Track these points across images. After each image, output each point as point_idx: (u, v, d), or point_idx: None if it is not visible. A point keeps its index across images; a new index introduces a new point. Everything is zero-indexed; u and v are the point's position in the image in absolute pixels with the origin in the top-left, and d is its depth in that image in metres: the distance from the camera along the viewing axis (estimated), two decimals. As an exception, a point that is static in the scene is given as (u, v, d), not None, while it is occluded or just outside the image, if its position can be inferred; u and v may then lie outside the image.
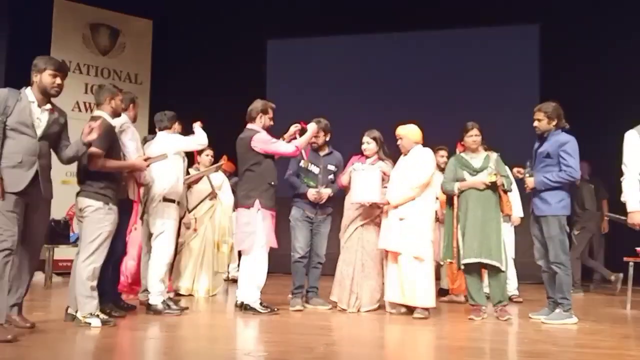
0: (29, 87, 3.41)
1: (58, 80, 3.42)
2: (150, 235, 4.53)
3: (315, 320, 4.21)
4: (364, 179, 4.55)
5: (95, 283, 3.66)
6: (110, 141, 3.73)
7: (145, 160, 4.07)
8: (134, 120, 4.31)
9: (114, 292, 4.15)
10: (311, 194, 4.68)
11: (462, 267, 4.33)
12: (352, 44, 8.69)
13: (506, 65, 8.09)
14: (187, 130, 4.81)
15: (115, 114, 3.92)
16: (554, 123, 4.27)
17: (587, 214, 7.15)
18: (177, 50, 8.73)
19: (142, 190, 4.47)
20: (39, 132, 3.35)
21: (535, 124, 4.32)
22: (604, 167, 7.26)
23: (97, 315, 3.61)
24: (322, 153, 4.87)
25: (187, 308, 4.42)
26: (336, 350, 3.27)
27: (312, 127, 4.59)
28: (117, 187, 3.84)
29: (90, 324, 3.52)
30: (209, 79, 8.72)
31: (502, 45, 8.22)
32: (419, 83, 8.32)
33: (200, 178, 5.41)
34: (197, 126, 4.68)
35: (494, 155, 4.46)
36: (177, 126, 4.65)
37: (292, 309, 4.54)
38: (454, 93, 8.06)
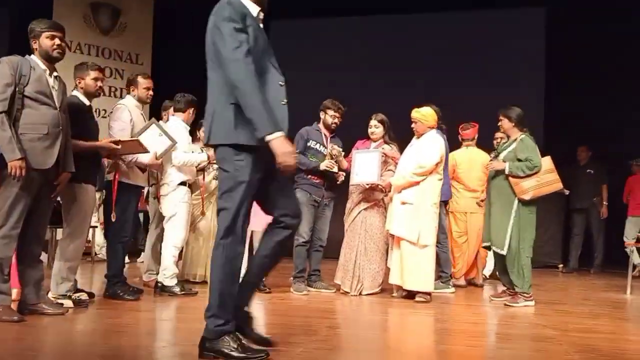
0: (32, 55, 3.27)
1: (57, 41, 3.28)
2: (158, 218, 4.57)
3: (318, 303, 4.25)
4: (363, 160, 4.57)
5: (74, 264, 3.67)
6: (78, 122, 3.56)
7: (157, 158, 4.07)
8: (143, 100, 4.25)
9: (123, 275, 4.17)
10: (326, 164, 4.66)
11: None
12: (357, 25, 8.63)
13: (513, 48, 8.07)
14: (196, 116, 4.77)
15: (87, 93, 3.76)
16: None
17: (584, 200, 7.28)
18: (178, 30, 8.66)
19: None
20: (57, 102, 3.26)
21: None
22: (604, 151, 7.31)
23: (70, 297, 3.62)
24: (329, 135, 4.88)
25: (197, 292, 4.46)
26: (339, 333, 3.30)
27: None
28: (93, 165, 3.77)
29: (62, 304, 3.49)
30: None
31: (508, 28, 8.22)
32: (424, 65, 8.29)
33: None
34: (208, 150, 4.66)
35: (519, 137, 4.41)
36: (192, 112, 4.53)
37: (297, 294, 4.58)
38: (460, 75, 8.05)
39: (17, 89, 3.10)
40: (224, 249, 2.40)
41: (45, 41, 3.26)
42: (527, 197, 4.23)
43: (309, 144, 4.77)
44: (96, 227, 6.64)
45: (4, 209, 3.10)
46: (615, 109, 7.46)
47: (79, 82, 3.78)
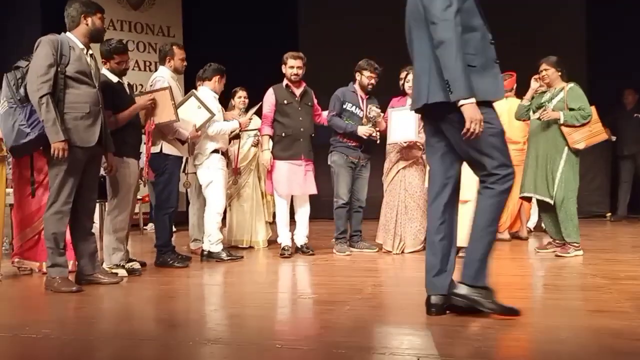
0: (68, 33, 3.29)
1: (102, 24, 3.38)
2: (199, 188, 4.66)
3: (361, 263, 4.29)
4: (400, 118, 4.50)
5: (122, 234, 3.80)
6: (112, 99, 3.65)
7: (197, 130, 4.13)
8: (179, 70, 4.30)
9: (172, 244, 4.30)
10: (364, 130, 4.61)
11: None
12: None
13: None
14: (228, 86, 4.79)
15: (116, 72, 3.83)
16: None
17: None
18: (206, 1, 8.62)
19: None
20: (95, 81, 3.31)
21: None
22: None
23: (123, 266, 3.77)
24: (365, 97, 4.82)
25: (242, 257, 4.57)
26: (384, 291, 3.34)
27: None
28: (133, 139, 3.86)
29: (117, 274, 3.63)
30: (241, 27, 8.62)
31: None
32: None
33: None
34: (249, 113, 4.78)
35: (567, 87, 4.29)
36: (219, 80, 4.52)
37: (340, 254, 4.62)
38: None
39: (58, 69, 3.13)
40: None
41: (99, 22, 3.33)
42: (580, 146, 4.20)
43: (344, 106, 4.72)
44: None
45: (55, 187, 3.21)
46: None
47: (105, 63, 3.86)
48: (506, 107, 5.36)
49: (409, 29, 2.56)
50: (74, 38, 3.28)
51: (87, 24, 3.29)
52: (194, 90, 4.34)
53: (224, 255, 4.38)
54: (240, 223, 5.25)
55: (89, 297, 3.16)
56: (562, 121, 4.19)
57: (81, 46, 3.28)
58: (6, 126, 3.17)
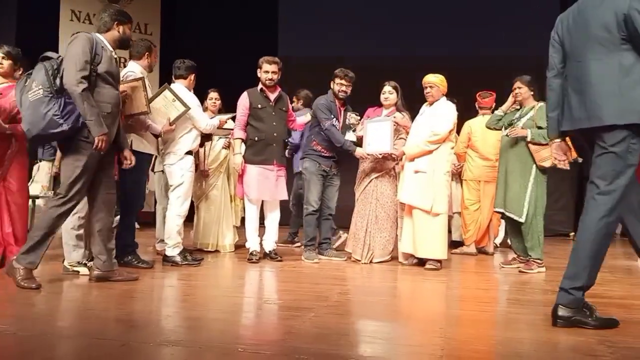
0: (98, 34, 3.39)
1: None
2: (166, 187, 4.58)
3: (328, 270, 4.28)
4: (375, 129, 4.54)
5: (81, 231, 3.75)
6: None
7: (171, 124, 4.09)
8: (149, 69, 4.26)
9: (134, 243, 4.22)
10: (361, 152, 4.60)
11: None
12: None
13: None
14: (200, 85, 4.76)
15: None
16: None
17: None
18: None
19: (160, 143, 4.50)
20: (117, 83, 3.42)
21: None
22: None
23: (85, 264, 3.71)
24: (342, 107, 4.84)
25: (202, 259, 4.51)
26: (350, 299, 3.34)
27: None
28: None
29: (78, 272, 3.62)
30: (220, 27, 8.59)
31: None
32: (435, 31, 8.16)
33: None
34: (226, 116, 4.81)
35: (537, 106, 4.39)
36: (192, 79, 4.51)
37: (308, 262, 4.62)
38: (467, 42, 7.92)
39: (91, 67, 3.22)
40: (607, 227, 2.51)
41: (128, 31, 3.53)
42: (547, 164, 4.28)
43: (338, 121, 4.75)
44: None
45: (68, 181, 3.25)
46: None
47: None
48: (483, 125, 5.47)
49: (576, 49, 2.58)
50: (104, 40, 3.40)
51: (118, 32, 3.47)
52: (166, 83, 4.28)
53: (178, 259, 4.29)
54: (207, 226, 5.17)
55: (50, 294, 3.08)
56: (529, 139, 4.29)
57: (110, 49, 3.42)
58: (36, 113, 3.13)
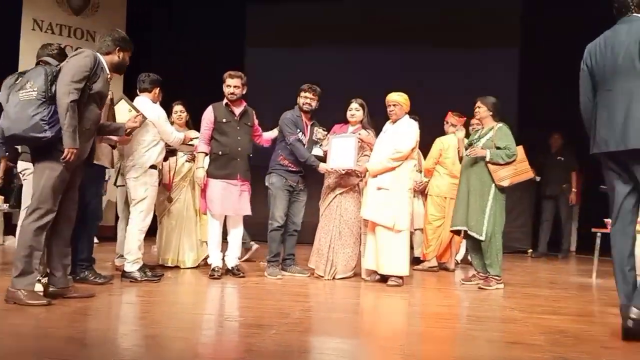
0: (99, 55, 3.41)
1: None
2: (127, 201, 4.49)
3: (291, 287, 4.26)
4: (340, 145, 4.58)
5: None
6: None
7: (127, 134, 4.00)
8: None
9: (92, 259, 4.11)
10: (325, 167, 4.61)
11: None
12: (333, 11, 8.61)
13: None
14: (166, 99, 4.71)
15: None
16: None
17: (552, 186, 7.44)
18: (152, 11, 8.51)
19: (115, 155, 4.42)
20: (102, 104, 3.45)
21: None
22: (578, 136, 7.39)
23: (39, 280, 3.56)
24: (308, 122, 4.86)
25: (163, 275, 4.43)
26: (312, 316, 3.32)
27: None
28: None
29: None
30: (187, 40, 8.56)
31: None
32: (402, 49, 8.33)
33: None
34: (191, 132, 4.82)
35: (496, 126, 4.49)
36: (158, 92, 4.47)
37: (271, 278, 4.58)
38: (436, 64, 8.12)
39: (87, 84, 3.24)
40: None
41: (127, 58, 3.58)
42: (505, 184, 4.36)
43: (307, 136, 4.76)
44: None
45: (40, 194, 3.19)
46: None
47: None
48: (453, 143, 5.55)
49: (606, 78, 2.77)
50: (104, 62, 3.44)
51: (118, 57, 3.53)
52: (122, 93, 4.24)
53: (138, 275, 4.19)
54: (167, 240, 5.07)
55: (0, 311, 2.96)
56: (488, 159, 4.38)
57: (107, 71, 3.45)
58: (22, 114, 3.10)
